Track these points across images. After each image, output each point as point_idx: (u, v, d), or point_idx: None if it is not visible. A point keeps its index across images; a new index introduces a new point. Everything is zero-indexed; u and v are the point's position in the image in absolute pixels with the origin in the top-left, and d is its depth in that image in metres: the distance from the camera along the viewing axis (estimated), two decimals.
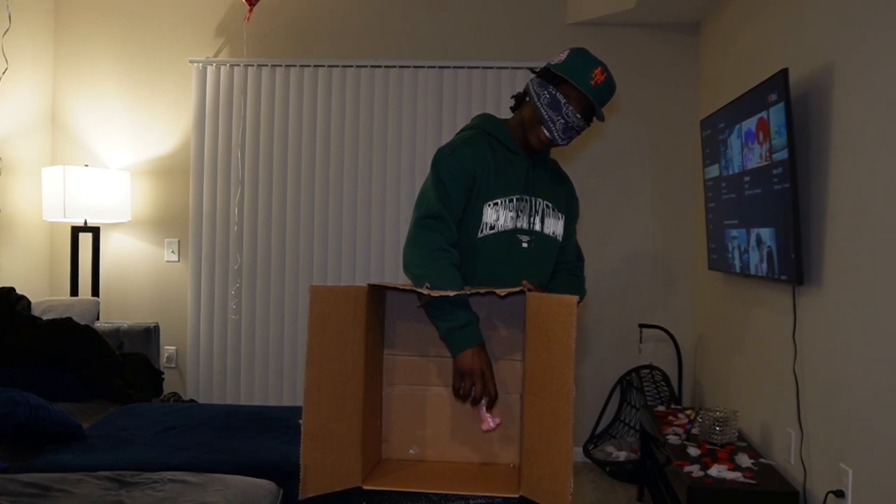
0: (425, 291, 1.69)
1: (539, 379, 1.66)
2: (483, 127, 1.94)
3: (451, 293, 1.69)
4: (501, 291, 1.69)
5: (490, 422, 1.75)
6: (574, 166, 3.84)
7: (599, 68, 1.83)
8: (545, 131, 1.86)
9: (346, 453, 1.69)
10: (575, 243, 2.08)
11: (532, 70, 1.96)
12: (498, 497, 1.63)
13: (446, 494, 1.64)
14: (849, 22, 2.28)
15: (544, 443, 1.62)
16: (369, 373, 1.76)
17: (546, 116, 1.85)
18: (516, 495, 1.64)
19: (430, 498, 1.63)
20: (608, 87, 1.85)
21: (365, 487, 1.69)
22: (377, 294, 1.81)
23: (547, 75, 1.87)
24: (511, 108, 2.01)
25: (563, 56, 1.87)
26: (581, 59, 1.85)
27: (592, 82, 1.82)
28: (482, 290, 1.73)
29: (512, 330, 1.83)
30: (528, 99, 1.92)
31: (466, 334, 1.73)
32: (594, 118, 1.90)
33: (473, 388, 1.71)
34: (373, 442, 1.80)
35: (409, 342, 1.86)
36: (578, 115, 1.84)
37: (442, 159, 1.86)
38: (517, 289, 1.71)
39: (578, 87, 1.82)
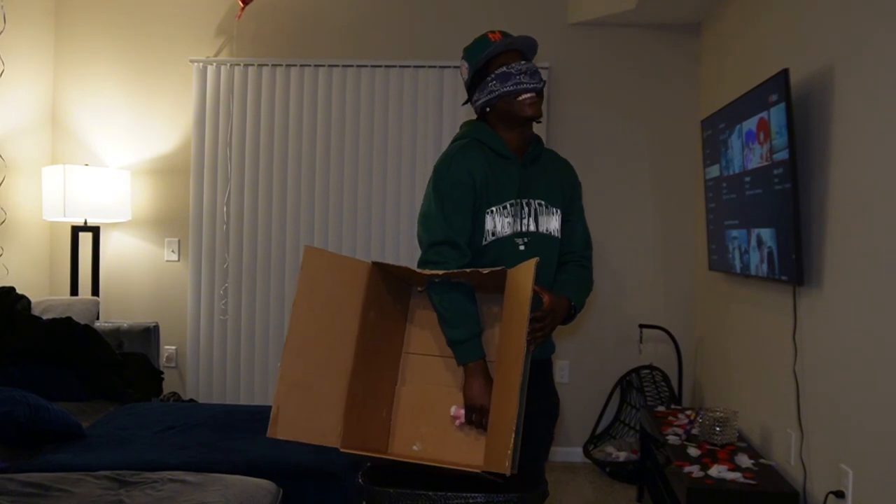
0: (428, 272, 1.78)
1: (504, 350, 1.73)
2: (473, 135, 1.97)
3: (461, 276, 1.78)
4: (484, 270, 1.74)
5: (462, 418, 1.83)
6: (574, 166, 3.82)
7: (488, 33, 1.93)
8: (522, 95, 1.88)
9: (327, 411, 1.73)
10: (583, 229, 2.08)
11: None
12: (499, 497, 1.63)
13: (446, 494, 1.64)
14: (849, 22, 2.28)
15: (498, 410, 1.66)
16: (377, 360, 1.83)
17: (509, 87, 1.87)
18: (482, 470, 1.64)
19: (431, 497, 1.63)
20: (508, 36, 1.92)
21: (365, 483, 1.70)
22: (396, 285, 1.87)
23: (474, 80, 1.94)
24: (476, 121, 2.02)
25: (465, 65, 1.97)
26: (472, 44, 1.95)
27: (492, 39, 1.90)
28: (468, 271, 1.78)
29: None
30: (487, 109, 1.95)
31: (469, 348, 1.81)
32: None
33: (483, 419, 1.80)
34: (378, 432, 1.84)
35: (422, 341, 1.90)
36: (521, 62, 1.88)
37: (440, 178, 1.89)
38: (499, 268, 1.75)
39: (491, 53, 1.88)
